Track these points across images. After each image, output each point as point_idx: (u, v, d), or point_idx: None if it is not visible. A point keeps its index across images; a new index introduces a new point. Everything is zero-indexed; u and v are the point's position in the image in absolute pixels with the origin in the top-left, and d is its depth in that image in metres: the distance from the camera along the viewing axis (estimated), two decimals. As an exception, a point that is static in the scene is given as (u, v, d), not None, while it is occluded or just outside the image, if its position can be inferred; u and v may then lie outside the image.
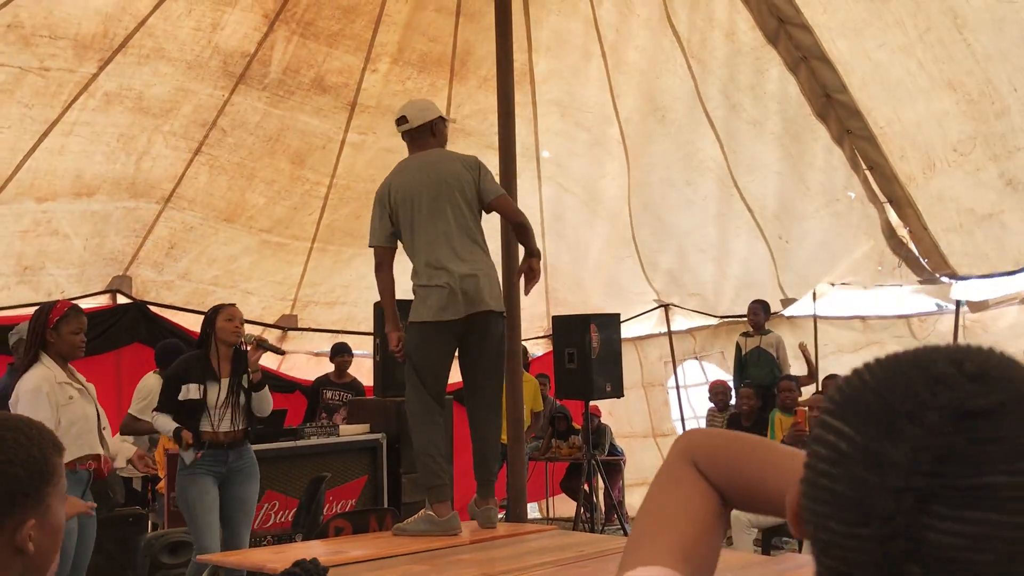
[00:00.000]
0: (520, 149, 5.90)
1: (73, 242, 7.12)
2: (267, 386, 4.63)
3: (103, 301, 7.47)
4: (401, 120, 4.16)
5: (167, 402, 4.40)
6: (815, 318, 8.19)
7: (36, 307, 6.78)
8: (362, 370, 8.28)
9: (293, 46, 6.92)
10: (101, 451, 4.05)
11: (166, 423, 4.36)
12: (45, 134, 6.39)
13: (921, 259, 7.14)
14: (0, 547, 1.20)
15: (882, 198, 6.91)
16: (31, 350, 3.94)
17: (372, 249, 4.03)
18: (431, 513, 3.74)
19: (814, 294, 8.13)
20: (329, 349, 8.06)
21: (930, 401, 0.60)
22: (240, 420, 4.48)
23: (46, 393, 3.79)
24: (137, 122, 6.76)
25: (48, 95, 6.21)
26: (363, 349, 8.32)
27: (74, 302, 4.22)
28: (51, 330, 3.91)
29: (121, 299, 7.57)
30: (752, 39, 6.57)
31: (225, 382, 4.46)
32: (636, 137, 8.01)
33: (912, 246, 7.10)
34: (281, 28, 6.77)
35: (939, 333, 7.73)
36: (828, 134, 6.77)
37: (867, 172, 6.80)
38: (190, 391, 4.37)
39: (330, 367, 7.87)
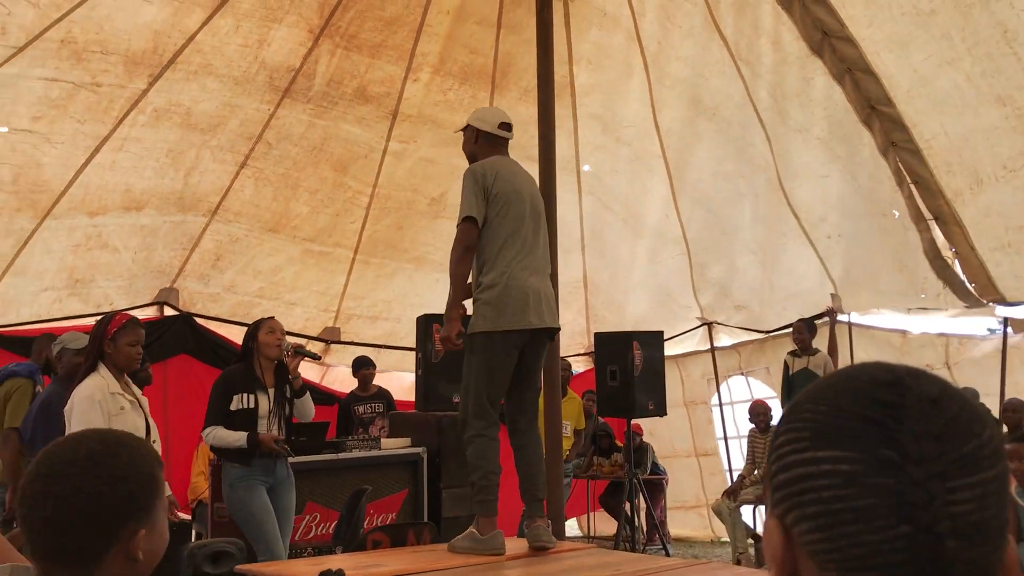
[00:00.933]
0: (560, 161, 5.88)
1: (122, 255, 7.24)
2: (308, 392, 4.72)
3: (150, 313, 7.59)
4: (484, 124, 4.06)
5: (218, 414, 4.41)
6: (849, 326, 8.02)
7: (84, 318, 7.01)
8: (404, 384, 8.30)
9: (337, 58, 7.00)
10: None
11: (227, 434, 4.37)
12: (97, 150, 6.52)
13: (968, 283, 6.94)
14: (115, 556, 1.30)
15: (927, 215, 6.74)
16: (89, 359, 4.02)
17: (461, 224, 3.74)
18: (474, 530, 3.70)
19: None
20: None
21: (899, 400, 0.69)
22: (284, 430, 4.57)
23: (99, 402, 3.86)
24: (185, 137, 6.87)
25: (100, 111, 6.33)
26: (405, 365, 8.33)
27: (132, 314, 4.30)
28: (108, 341, 3.97)
29: (168, 311, 7.69)
30: (797, 49, 6.49)
31: (271, 392, 4.54)
32: (680, 145, 7.93)
33: (958, 268, 6.90)
34: (325, 42, 6.85)
35: (972, 359, 7.53)
36: (874, 143, 6.66)
37: (912, 187, 6.64)
38: (243, 400, 4.42)
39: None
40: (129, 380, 4.12)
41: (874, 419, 0.69)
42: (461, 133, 4.10)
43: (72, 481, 1.29)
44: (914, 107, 6.28)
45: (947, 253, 6.86)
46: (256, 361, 4.53)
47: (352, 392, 7.69)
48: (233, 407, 4.41)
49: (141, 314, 7.48)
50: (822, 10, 6.08)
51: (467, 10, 7.13)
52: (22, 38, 5.64)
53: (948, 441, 0.67)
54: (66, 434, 3.82)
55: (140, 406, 4.11)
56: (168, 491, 4.85)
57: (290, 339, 4.85)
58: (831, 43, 6.25)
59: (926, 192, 6.62)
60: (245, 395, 4.43)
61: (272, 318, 4.74)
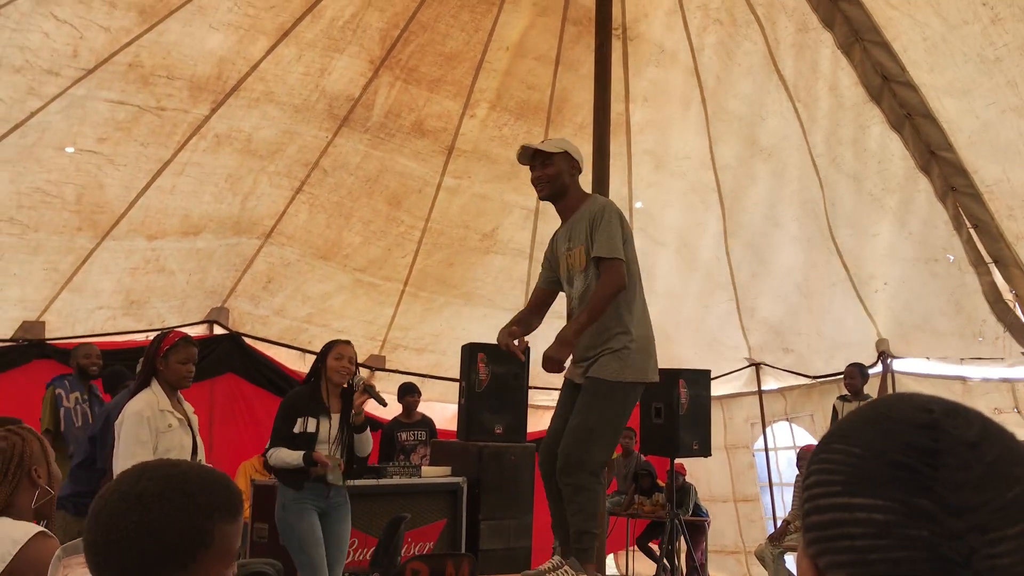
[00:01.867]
0: (614, 199, 5.83)
1: (177, 277, 7.36)
2: (368, 429, 4.66)
3: (200, 331, 7.69)
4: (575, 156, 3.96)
5: (282, 434, 4.42)
6: (892, 374, 7.87)
7: (135, 334, 7.16)
8: (446, 415, 8.30)
9: (396, 91, 7.08)
10: None
11: (287, 453, 4.37)
12: (158, 173, 6.62)
13: None
14: None
15: (987, 258, 6.63)
16: (142, 376, 4.11)
17: (616, 262, 3.66)
18: None
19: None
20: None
21: (935, 446, 0.65)
22: (344, 457, 4.52)
23: (147, 418, 3.93)
24: (245, 163, 6.96)
25: (163, 135, 6.43)
26: (449, 396, 8.34)
27: (186, 333, 4.39)
28: (161, 358, 4.06)
29: (218, 330, 7.79)
30: (854, 95, 6.45)
31: (336, 418, 4.50)
32: (734, 183, 7.90)
33: (1019, 311, 6.76)
34: (385, 74, 6.95)
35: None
36: (931, 188, 6.57)
37: (971, 231, 6.54)
38: (307, 424, 4.42)
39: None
40: (181, 397, 4.19)
41: (909, 466, 0.66)
42: (529, 160, 3.91)
43: (116, 517, 1.26)
44: (975, 153, 6.21)
45: (1008, 296, 6.73)
46: (323, 384, 4.52)
47: (396, 418, 7.71)
48: (296, 429, 4.41)
49: (191, 332, 7.60)
50: (883, 54, 6.04)
51: (526, 47, 7.21)
52: (92, 61, 5.77)
53: (988, 489, 0.64)
54: (115, 447, 3.92)
55: (189, 424, 4.16)
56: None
57: (363, 372, 4.82)
58: (891, 87, 6.21)
59: (986, 236, 6.53)
60: (308, 418, 4.43)
61: (345, 343, 4.65)
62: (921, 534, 0.63)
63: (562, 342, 3.57)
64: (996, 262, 6.60)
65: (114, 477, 3.98)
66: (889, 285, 7.54)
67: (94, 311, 7.12)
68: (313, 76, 6.69)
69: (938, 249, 6.90)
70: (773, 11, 6.50)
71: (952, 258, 6.80)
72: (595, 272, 3.67)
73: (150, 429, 3.92)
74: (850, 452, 0.69)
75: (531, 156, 3.88)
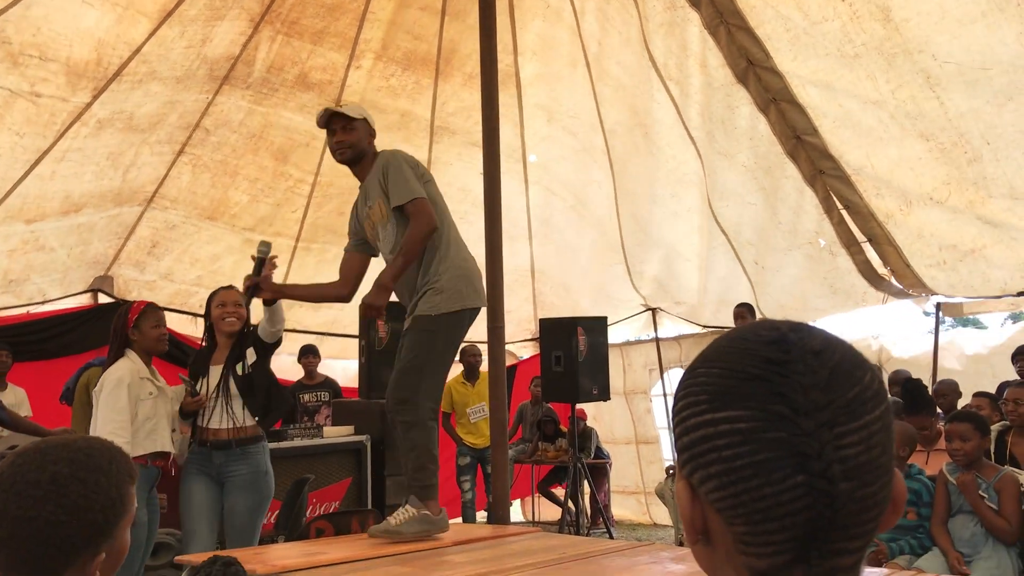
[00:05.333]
0: (506, 151, 5.82)
1: (58, 253, 7.04)
2: (279, 303, 4.18)
3: (84, 301, 7.42)
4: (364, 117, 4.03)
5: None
6: None
7: (11, 309, 6.84)
8: (349, 374, 8.24)
9: (277, 45, 6.85)
10: (172, 449, 4.10)
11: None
12: (36, 162, 6.22)
13: (907, 291, 7.13)
14: (72, 573, 1.30)
15: (860, 237, 6.87)
16: (116, 350, 4.02)
17: (417, 201, 3.54)
18: (427, 512, 3.55)
19: None
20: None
21: (784, 357, 0.72)
22: (230, 417, 4.11)
23: (128, 385, 3.88)
24: (126, 140, 6.64)
25: (40, 124, 5.99)
26: (349, 352, 8.27)
27: (150, 301, 4.29)
28: (132, 328, 4.01)
29: (103, 299, 7.50)
30: (723, 76, 6.55)
31: (217, 371, 4.17)
32: (621, 148, 7.99)
33: (894, 281, 7.07)
34: (265, 28, 6.70)
35: (903, 360, 7.71)
36: (799, 174, 6.72)
37: (843, 211, 6.76)
38: (196, 385, 4.22)
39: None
40: (155, 369, 4.14)
41: (763, 377, 0.72)
42: (346, 123, 3.92)
43: (33, 505, 1.25)
44: (840, 138, 6.40)
45: (883, 271, 7.02)
46: (215, 339, 4.26)
47: (299, 380, 7.62)
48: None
49: (74, 302, 7.32)
50: (748, 39, 6.14)
51: (410, -4, 7.06)
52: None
53: (833, 390, 0.71)
54: (93, 417, 3.82)
55: (166, 395, 4.11)
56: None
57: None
58: (756, 72, 6.32)
59: (857, 216, 6.75)
60: (199, 380, 4.19)
61: (225, 288, 4.36)
62: (779, 435, 0.70)
63: (379, 287, 3.54)
64: (870, 240, 6.86)
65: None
66: (766, 269, 7.76)
67: (-31, 291, 6.77)
68: (195, 47, 6.37)
69: (810, 234, 7.13)
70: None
71: (824, 243, 7.04)
72: (399, 221, 3.63)
73: (130, 396, 3.88)
74: (711, 373, 0.75)
75: (329, 119, 3.89)
